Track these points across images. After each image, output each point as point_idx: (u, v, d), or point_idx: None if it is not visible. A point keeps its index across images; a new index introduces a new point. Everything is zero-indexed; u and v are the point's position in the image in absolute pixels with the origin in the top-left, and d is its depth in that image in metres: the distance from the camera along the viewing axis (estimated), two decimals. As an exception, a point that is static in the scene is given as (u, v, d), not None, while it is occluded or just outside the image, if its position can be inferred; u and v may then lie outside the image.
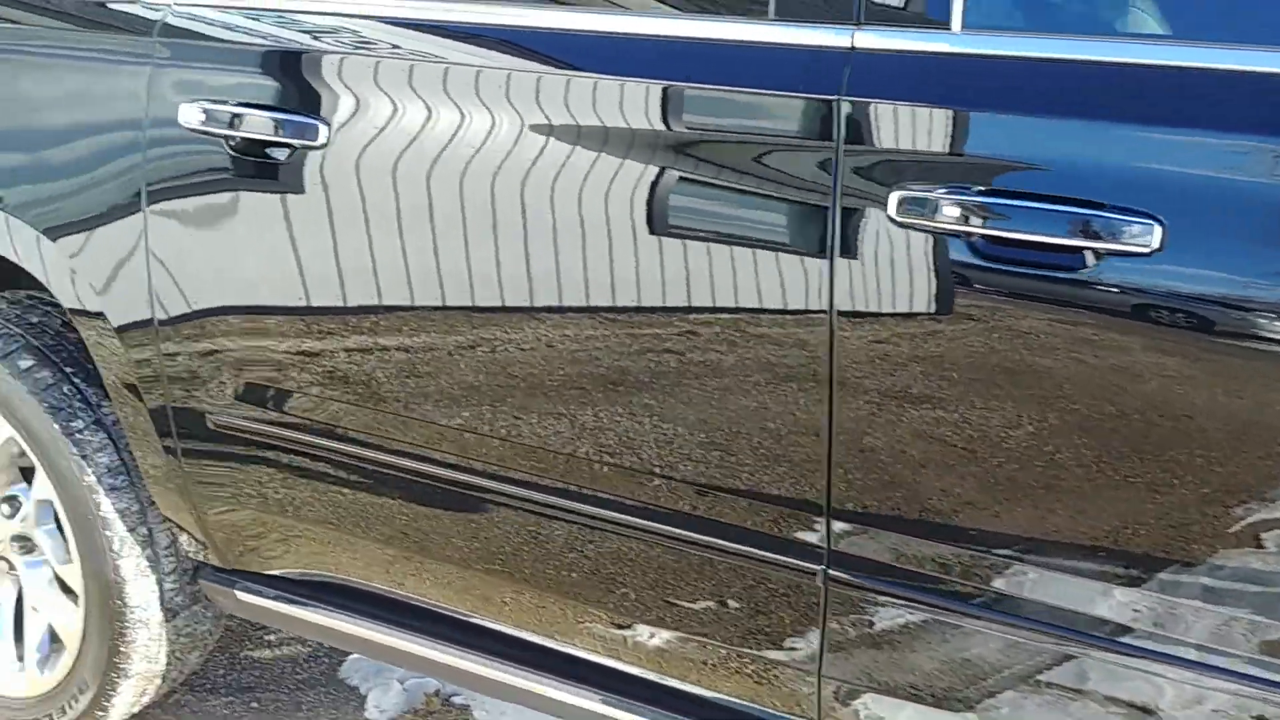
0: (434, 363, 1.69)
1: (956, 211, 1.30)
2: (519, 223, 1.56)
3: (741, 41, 1.47)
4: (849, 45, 1.38)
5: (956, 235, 1.32)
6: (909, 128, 1.35)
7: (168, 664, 2.20)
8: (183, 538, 2.11)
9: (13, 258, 2.04)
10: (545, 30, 1.62)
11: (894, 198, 1.33)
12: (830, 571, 1.50)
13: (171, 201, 1.83)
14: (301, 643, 2.61)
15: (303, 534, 1.97)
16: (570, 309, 1.56)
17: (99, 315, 1.95)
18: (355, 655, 2.45)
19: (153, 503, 2.11)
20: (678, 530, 1.59)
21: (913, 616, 1.46)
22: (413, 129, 1.63)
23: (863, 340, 1.39)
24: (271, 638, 2.64)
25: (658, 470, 1.56)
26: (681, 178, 1.48)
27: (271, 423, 1.88)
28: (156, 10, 1.87)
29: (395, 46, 1.70)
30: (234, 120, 1.76)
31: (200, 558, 2.13)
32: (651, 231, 1.48)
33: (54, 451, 2.08)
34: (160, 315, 1.89)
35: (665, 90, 1.49)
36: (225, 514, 2.01)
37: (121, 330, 1.93)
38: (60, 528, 2.19)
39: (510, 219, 1.57)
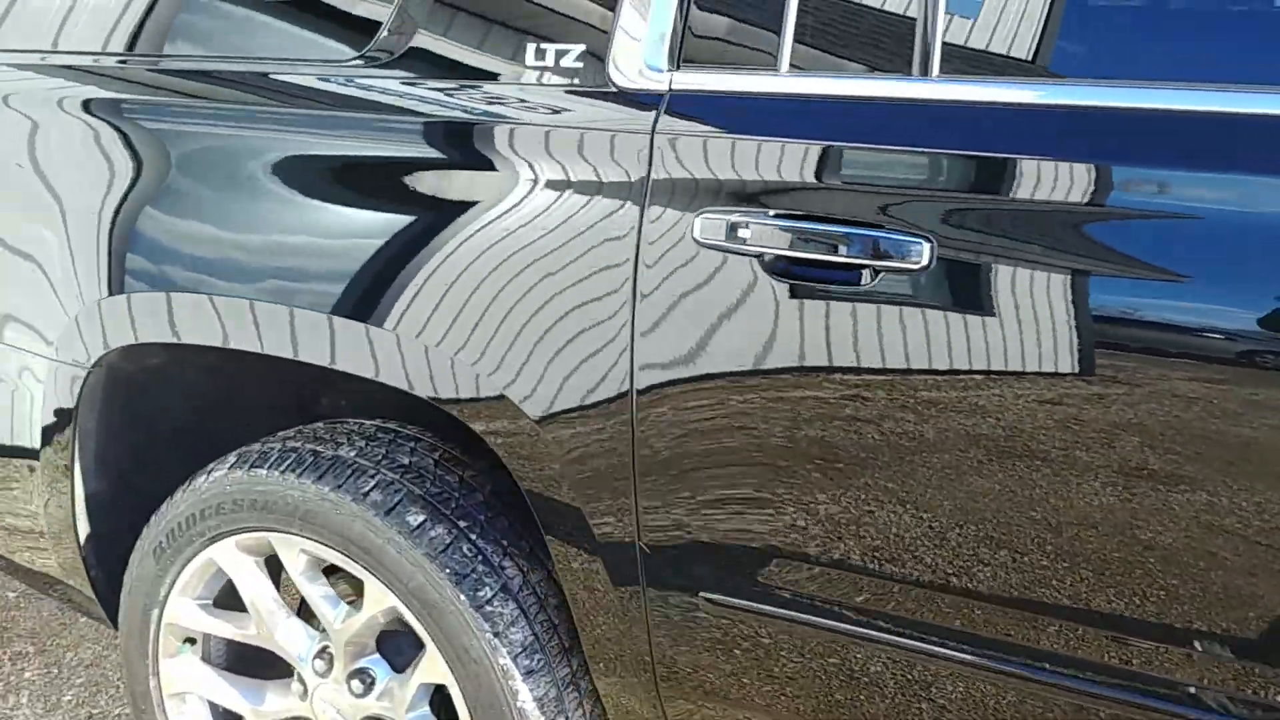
0: (1039, 541, 1.35)
1: None
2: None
3: None
4: None
5: None
6: None
7: None
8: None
9: (400, 383, 1.65)
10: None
11: None
12: None
13: (670, 325, 1.46)
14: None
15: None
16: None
17: (538, 453, 1.58)
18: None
19: (570, 684, 1.74)
20: None
21: None
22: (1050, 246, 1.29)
23: None
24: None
25: None
26: None
27: (789, 604, 1.51)
28: (650, 96, 1.50)
29: (993, 139, 1.36)
30: (774, 235, 1.40)
31: (630, 751, 1.76)
32: None
33: (456, 627, 1.69)
34: (645, 479, 1.52)
35: None
36: (695, 703, 1.64)
37: (582, 479, 1.56)
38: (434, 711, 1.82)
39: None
